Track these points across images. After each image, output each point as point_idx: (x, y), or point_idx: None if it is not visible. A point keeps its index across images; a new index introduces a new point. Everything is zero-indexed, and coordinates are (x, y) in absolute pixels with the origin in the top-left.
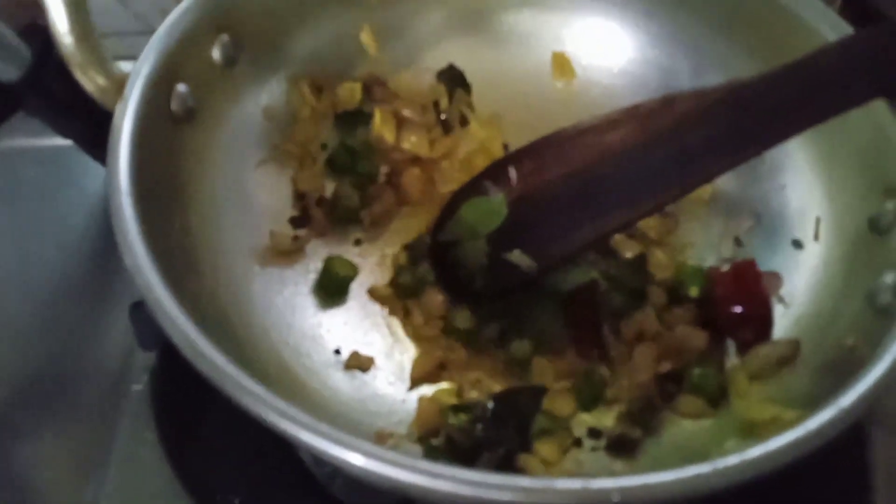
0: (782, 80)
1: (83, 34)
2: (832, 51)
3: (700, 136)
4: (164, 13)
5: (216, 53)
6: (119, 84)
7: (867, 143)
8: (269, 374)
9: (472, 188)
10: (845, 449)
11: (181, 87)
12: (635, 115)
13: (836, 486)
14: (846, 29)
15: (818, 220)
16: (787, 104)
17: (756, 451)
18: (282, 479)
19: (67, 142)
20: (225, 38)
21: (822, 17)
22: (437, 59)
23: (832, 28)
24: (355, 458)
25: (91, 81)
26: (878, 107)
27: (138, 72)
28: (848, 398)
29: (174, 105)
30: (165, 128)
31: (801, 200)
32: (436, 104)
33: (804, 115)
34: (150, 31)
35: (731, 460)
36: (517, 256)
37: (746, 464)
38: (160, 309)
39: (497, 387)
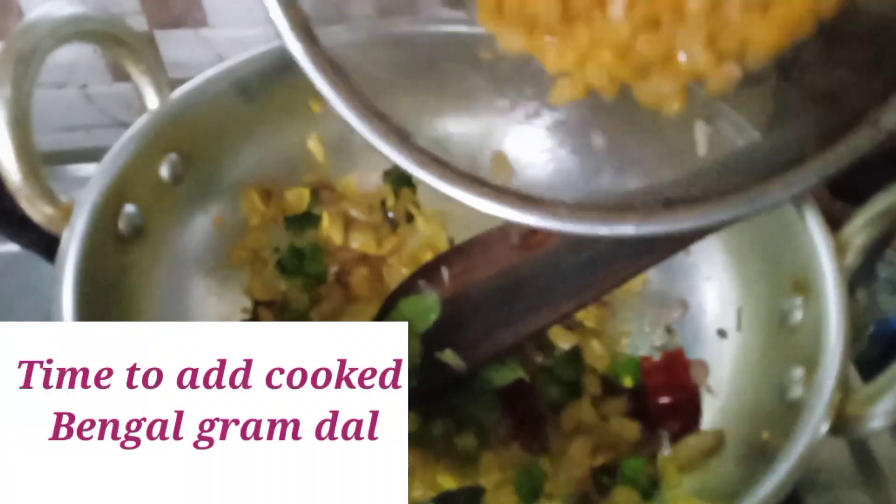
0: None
1: (30, 170)
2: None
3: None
4: (129, 108)
5: (164, 172)
6: (66, 212)
7: (777, 239)
8: None
9: (407, 287)
10: None
11: (129, 208)
12: None
13: None
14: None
15: (740, 311)
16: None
17: None
18: None
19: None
20: (173, 156)
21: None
22: (382, 161)
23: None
24: None
25: (38, 212)
26: (787, 206)
27: (85, 199)
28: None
29: (122, 226)
30: (113, 249)
31: (724, 291)
32: (382, 203)
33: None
34: (116, 124)
35: None
36: (448, 356)
37: None
38: None
39: (448, 485)
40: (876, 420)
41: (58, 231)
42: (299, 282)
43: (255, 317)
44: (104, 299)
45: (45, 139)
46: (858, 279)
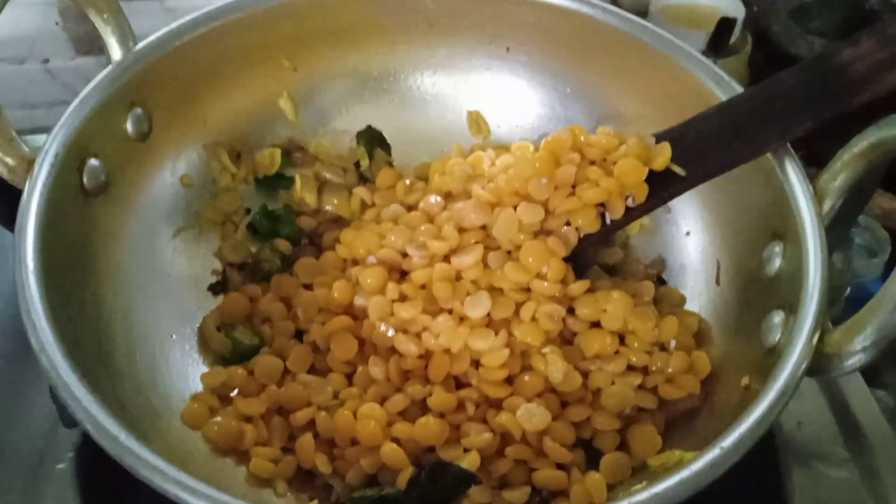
0: (694, 130)
1: None
2: (738, 102)
3: None
4: None
5: (129, 126)
6: (28, 163)
7: (755, 189)
8: (186, 441)
9: None
10: (762, 484)
11: (93, 162)
12: None
13: None
14: (727, 80)
15: (718, 264)
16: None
17: (641, 495)
18: None
19: None
20: (138, 111)
21: (707, 71)
22: (355, 121)
23: (716, 82)
24: None
25: None
26: (766, 156)
27: (47, 150)
28: (730, 438)
29: (86, 180)
30: (76, 203)
31: (703, 245)
32: (357, 165)
33: (714, 163)
34: None
35: None
36: None
37: None
38: (66, 390)
39: None
40: (854, 358)
41: (20, 184)
42: (270, 244)
43: (224, 279)
44: (68, 254)
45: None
46: (834, 244)
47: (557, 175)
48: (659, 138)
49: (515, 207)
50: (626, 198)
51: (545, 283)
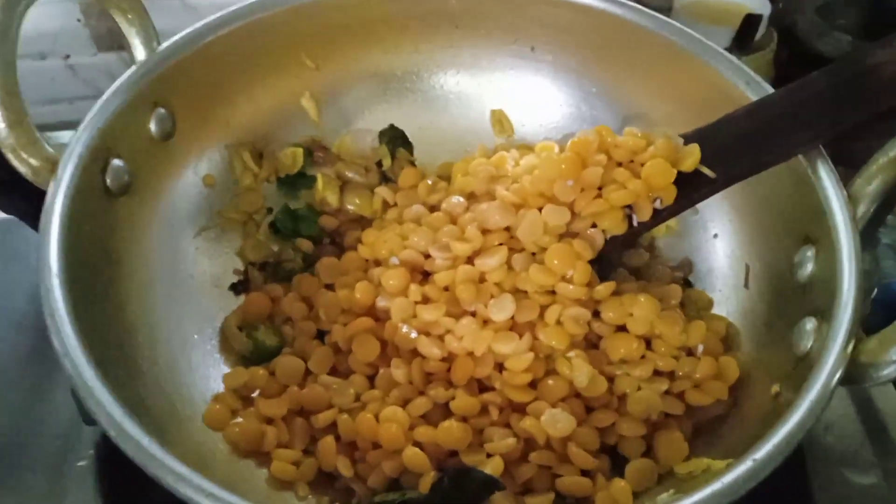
0: (723, 132)
1: (16, 118)
2: (769, 103)
3: None
4: (114, 79)
5: (153, 127)
6: (53, 163)
7: (787, 192)
8: (207, 442)
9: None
10: (788, 489)
11: (117, 163)
12: None
13: None
14: (756, 80)
15: (747, 268)
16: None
17: None
18: None
19: (8, 216)
20: (161, 111)
21: (736, 71)
22: (378, 120)
23: (745, 82)
24: None
25: (23, 163)
26: (798, 158)
27: (71, 151)
28: (763, 450)
29: (110, 180)
30: (100, 203)
31: (732, 249)
32: (379, 164)
33: (744, 165)
34: (99, 97)
35: None
36: None
37: None
38: (89, 394)
39: None
40: (890, 368)
41: (43, 184)
42: (292, 243)
43: (246, 278)
44: (92, 255)
45: None
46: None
47: (584, 176)
48: (687, 139)
49: (540, 209)
50: (654, 200)
51: (570, 286)
